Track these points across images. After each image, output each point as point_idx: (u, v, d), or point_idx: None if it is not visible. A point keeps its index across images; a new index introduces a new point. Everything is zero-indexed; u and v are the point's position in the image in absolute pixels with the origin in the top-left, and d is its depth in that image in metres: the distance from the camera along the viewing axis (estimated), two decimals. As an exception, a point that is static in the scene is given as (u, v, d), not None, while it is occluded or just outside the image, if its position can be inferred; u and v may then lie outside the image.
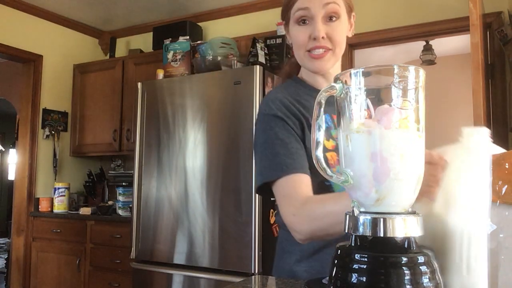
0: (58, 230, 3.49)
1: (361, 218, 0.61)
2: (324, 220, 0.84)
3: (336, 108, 0.67)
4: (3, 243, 7.31)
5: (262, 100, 1.05)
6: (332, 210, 0.82)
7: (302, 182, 0.91)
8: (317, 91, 1.06)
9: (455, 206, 0.62)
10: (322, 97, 0.63)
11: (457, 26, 2.83)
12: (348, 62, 3.09)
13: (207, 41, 3.07)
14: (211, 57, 2.89)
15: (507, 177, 0.54)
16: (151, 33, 3.73)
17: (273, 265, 1.10)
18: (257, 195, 2.41)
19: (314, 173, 0.90)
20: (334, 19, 0.97)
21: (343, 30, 1.00)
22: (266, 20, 3.35)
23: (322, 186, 0.94)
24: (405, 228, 0.60)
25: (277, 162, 0.93)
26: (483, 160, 0.59)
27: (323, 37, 0.96)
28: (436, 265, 0.61)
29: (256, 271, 2.39)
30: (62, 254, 3.46)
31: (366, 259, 0.59)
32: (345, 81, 0.63)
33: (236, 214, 2.51)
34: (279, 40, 2.93)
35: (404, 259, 0.58)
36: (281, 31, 3.00)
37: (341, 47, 1.00)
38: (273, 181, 0.93)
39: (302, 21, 0.99)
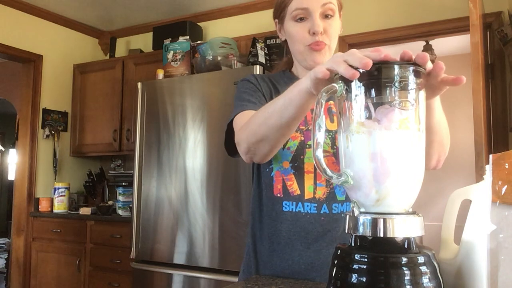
0: (58, 230, 3.49)
1: (361, 218, 0.61)
2: (255, 121, 0.86)
3: (336, 108, 0.67)
4: (3, 243, 7.31)
5: None
6: (266, 108, 0.84)
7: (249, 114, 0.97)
8: None
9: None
10: (322, 97, 0.63)
11: (457, 26, 2.83)
12: (348, 62, 3.08)
13: (207, 41, 3.07)
14: (211, 57, 2.89)
15: (507, 177, 0.54)
16: (151, 33, 3.73)
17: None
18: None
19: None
20: (329, 16, 1.03)
21: (337, 26, 1.06)
22: (266, 20, 3.35)
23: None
24: (405, 228, 0.60)
25: (241, 104, 1.02)
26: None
27: (321, 32, 1.01)
28: (436, 264, 0.61)
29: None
30: (62, 254, 3.46)
31: (366, 259, 0.59)
32: (346, 81, 0.63)
33: (236, 214, 2.51)
34: (279, 40, 2.92)
35: (404, 259, 0.58)
36: (281, 31, 3.00)
37: (335, 43, 1.06)
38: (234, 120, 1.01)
39: (300, 18, 1.03)
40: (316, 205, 0.99)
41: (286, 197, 1.01)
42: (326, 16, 1.02)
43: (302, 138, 1.01)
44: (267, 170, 1.04)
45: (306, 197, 1.00)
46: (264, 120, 0.83)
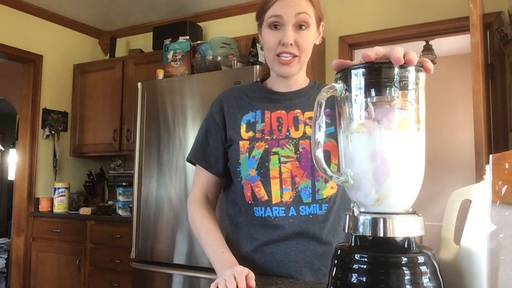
0: (58, 230, 3.49)
1: (361, 218, 0.61)
2: (195, 232, 1.16)
3: (336, 108, 0.67)
4: (3, 243, 7.31)
5: None
6: (199, 241, 1.13)
7: (200, 175, 1.19)
8: (276, 93, 1.14)
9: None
10: (322, 98, 0.63)
11: (457, 26, 2.83)
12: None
13: (207, 41, 3.07)
14: (211, 57, 2.89)
15: (507, 177, 0.54)
16: (151, 33, 3.73)
17: None
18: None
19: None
20: (303, 27, 1.04)
21: (310, 38, 1.06)
22: (266, 20, 3.34)
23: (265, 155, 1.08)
24: (405, 228, 0.60)
25: (195, 148, 1.20)
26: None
27: (291, 44, 1.03)
28: (436, 264, 0.61)
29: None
30: (62, 254, 3.46)
31: (366, 259, 0.59)
32: (346, 81, 0.63)
33: (236, 214, 2.51)
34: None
35: (404, 259, 0.58)
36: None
37: (307, 54, 1.07)
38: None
39: (274, 26, 1.05)
40: (284, 208, 1.03)
41: (256, 203, 1.05)
42: (300, 26, 1.03)
43: (267, 147, 1.05)
44: (238, 179, 1.08)
45: (274, 202, 1.04)
46: (198, 239, 1.15)
